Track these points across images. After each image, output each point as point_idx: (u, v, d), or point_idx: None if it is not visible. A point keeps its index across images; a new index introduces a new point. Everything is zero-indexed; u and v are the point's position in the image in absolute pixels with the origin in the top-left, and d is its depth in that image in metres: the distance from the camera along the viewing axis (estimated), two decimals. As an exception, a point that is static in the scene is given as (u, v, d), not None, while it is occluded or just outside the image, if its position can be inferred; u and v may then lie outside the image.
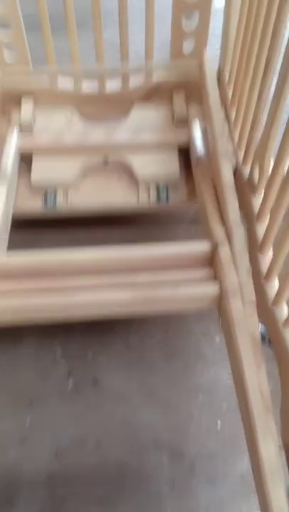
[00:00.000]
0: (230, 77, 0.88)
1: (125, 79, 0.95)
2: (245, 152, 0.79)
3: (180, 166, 0.91)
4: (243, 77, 0.79)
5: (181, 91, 0.96)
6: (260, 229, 0.70)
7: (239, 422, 0.61)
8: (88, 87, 0.96)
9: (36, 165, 0.90)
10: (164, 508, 0.74)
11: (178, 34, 0.89)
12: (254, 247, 0.70)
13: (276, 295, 0.63)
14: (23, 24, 0.86)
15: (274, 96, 0.63)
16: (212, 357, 0.88)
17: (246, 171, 0.78)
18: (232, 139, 0.85)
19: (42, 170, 0.90)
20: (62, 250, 0.72)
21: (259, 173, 0.73)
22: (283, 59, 0.59)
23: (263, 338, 0.64)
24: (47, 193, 0.89)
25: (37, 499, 0.74)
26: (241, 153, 0.81)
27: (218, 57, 0.92)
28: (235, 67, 0.84)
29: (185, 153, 0.92)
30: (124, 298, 0.65)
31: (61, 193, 0.89)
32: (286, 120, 0.60)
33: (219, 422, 0.81)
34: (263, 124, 0.70)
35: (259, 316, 0.65)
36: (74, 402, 0.83)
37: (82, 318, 0.71)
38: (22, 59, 0.90)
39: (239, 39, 0.81)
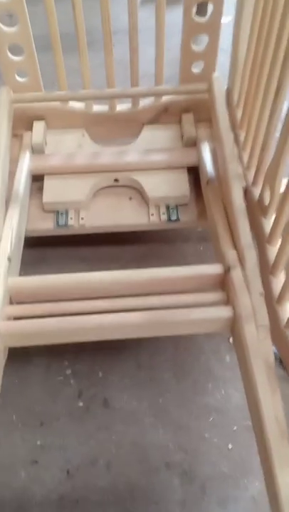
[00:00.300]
0: (239, 98, 0.89)
1: (135, 100, 0.96)
2: (256, 173, 0.79)
3: (189, 184, 0.92)
4: (253, 98, 0.80)
5: (190, 112, 0.97)
6: (272, 251, 0.70)
7: (250, 443, 0.61)
8: (98, 107, 0.97)
9: (48, 186, 0.91)
10: (175, 530, 0.73)
11: (187, 57, 0.90)
12: (265, 270, 0.70)
13: (289, 318, 0.63)
14: (35, 50, 0.88)
15: (286, 117, 0.63)
16: (222, 376, 0.88)
17: (256, 192, 0.78)
18: (241, 159, 0.85)
19: (53, 191, 0.91)
20: (75, 274, 0.72)
21: (270, 195, 0.74)
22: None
23: (274, 357, 0.64)
24: (58, 213, 0.90)
25: (48, 521, 0.74)
26: (251, 174, 0.81)
27: (225, 74, 0.93)
28: (245, 88, 0.85)
29: (194, 171, 0.93)
30: (137, 321, 0.66)
31: (72, 214, 0.90)
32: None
33: (230, 442, 0.81)
34: (274, 145, 0.71)
35: (272, 340, 0.65)
36: (84, 422, 0.83)
37: (94, 340, 0.71)
38: (34, 84, 0.91)
39: (249, 61, 0.82)
